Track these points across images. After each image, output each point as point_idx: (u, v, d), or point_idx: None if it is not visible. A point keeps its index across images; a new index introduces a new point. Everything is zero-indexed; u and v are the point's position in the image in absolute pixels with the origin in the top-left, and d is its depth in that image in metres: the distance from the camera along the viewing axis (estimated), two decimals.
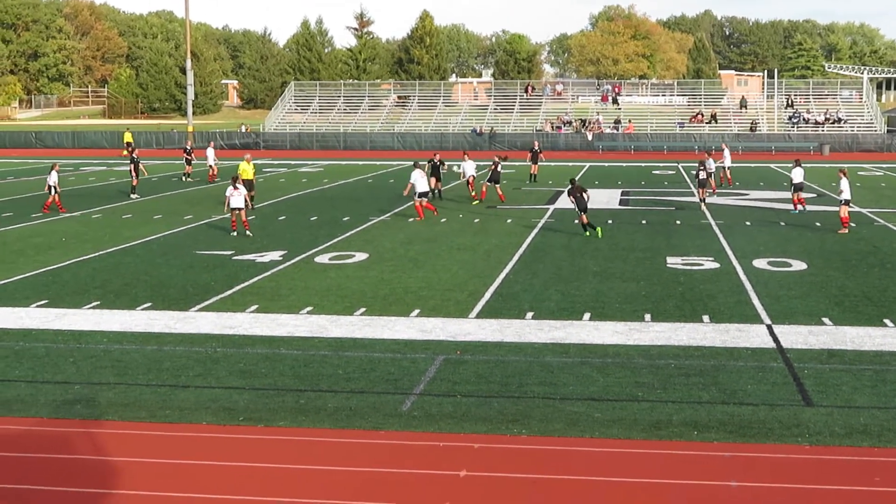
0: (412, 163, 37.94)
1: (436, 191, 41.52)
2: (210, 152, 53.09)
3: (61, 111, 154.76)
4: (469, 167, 42.34)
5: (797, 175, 36.98)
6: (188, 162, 54.15)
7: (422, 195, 35.77)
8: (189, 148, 55.72)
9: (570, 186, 31.61)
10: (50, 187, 38.00)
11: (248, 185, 36.46)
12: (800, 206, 37.07)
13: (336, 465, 11.71)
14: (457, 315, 19.61)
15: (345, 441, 12.49)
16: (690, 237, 30.65)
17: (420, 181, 35.85)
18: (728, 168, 48.80)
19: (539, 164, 53.44)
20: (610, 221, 34.43)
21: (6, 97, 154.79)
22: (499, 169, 40.60)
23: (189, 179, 52.32)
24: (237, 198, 30.95)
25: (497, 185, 40.69)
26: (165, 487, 11.11)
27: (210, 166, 52.29)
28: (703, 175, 38.91)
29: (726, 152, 49.50)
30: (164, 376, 15.44)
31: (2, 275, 24.26)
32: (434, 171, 41.52)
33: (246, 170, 37.89)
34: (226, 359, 16.43)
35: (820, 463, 11.76)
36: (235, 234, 30.90)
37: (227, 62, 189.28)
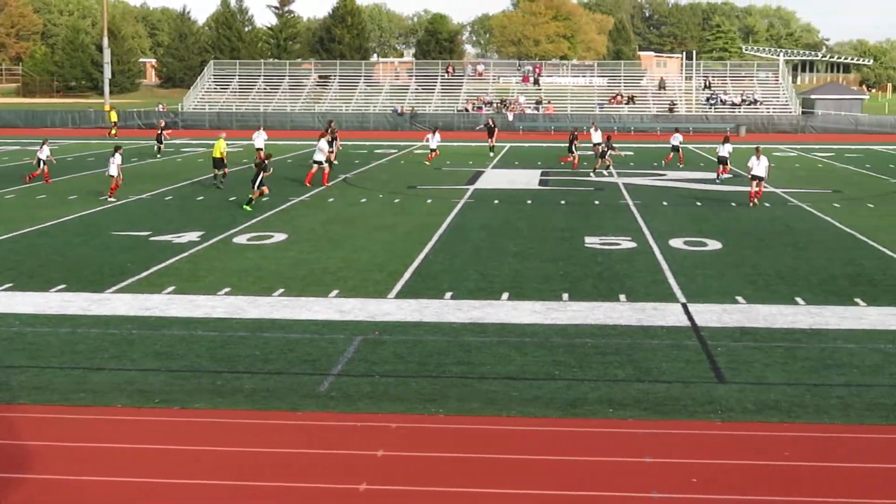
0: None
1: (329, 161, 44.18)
2: (259, 135, 51.16)
3: None
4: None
5: (724, 150, 41.86)
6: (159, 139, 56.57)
7: (316, 162, 40.07)
8: (162, 126, 58.65)
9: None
10: (39, 160, 39.92)
11: (219, 162, 39.41)
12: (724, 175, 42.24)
13: (253, 447, 11.66)
14: (376, 295, 19.61)
15: (262, 422, 12.45)
16: (609, 217, 30.92)
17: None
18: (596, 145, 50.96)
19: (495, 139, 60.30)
20: (529, 202, 34.59)
21: None
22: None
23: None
24: (113, 167, 34.42)
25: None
26: (80, 471, 10.98)
27: (258, 149, 50.02)
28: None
29: (594, 133, 52.30)
30: (78, 359, 15.24)
31: None
32: (330, 143, 44.25)
33: (219, 147, 39.57)
34: (141, 340, 16.26)
35: (732, 438, 11.95)
36: (112, 199, 34.44)
37: (144, 40, 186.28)
